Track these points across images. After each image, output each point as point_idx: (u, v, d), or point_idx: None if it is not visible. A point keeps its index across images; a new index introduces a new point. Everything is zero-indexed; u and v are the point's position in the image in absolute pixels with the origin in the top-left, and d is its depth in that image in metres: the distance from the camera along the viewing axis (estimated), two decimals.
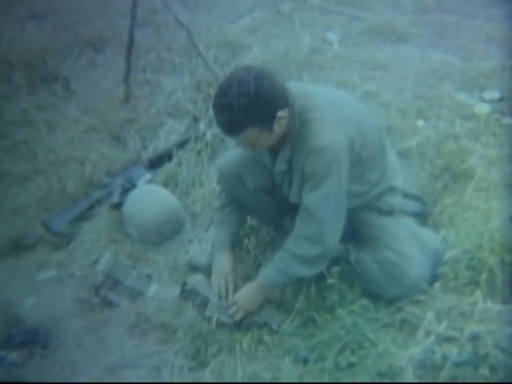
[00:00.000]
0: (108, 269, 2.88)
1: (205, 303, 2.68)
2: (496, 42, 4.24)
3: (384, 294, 2.43)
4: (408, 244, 2.43)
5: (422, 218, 2.66)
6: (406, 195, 2.59)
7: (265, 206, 2.79)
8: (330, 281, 2.51)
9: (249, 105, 2.16)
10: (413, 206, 2.61)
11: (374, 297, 2.45)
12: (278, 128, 2.30)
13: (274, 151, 2.48)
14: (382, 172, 2.52)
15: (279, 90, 2.26)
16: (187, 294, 2.77)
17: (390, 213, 2.52)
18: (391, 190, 2.53)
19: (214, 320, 2.59)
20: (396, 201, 2.53)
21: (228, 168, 2.73)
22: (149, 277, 2.95)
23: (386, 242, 2.46)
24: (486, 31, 4.50)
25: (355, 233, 2.59)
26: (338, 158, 2.27)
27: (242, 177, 2.68)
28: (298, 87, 2.43)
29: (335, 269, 2.51)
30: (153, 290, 2.83)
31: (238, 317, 2.58)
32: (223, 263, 2.77)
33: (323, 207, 2.34)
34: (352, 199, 2.44)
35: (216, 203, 2.94)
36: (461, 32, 4.64)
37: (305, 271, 2.46)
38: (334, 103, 2.37)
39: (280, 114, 2.25)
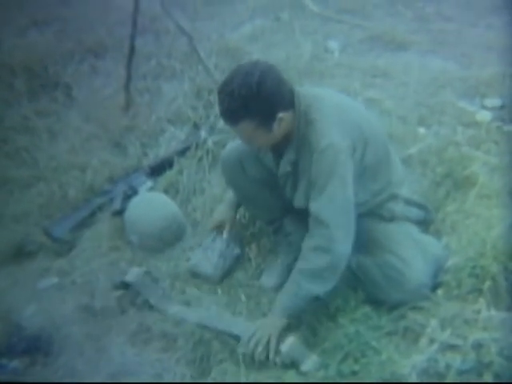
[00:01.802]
0: (134, 282, 2.85)
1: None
2: (496, 50, 4.23)
3: (386, 299, 2.41)
4: (409, 249, 2.41)
5: (424, 225, 2.66)
6: (409, 202, 2.58)
7: (265, 201, 2.79)
8: None
9: (249, 96, 2.20)
10: (415, 213, 2.61)
11: (377, 302, 2.44)
12: (278, 129, 2.32)
13: (278, 153, 2.49)
14: (386, 182, 2.51)
15: (283, 91, 2.29)
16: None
17: (391, 219, 2.51)
18: (394, 197, 2.52)
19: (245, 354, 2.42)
20: (398, 208, 2.52)
21: (230, 155, 2.80)
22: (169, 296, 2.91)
23: (386, 247, 2.44)
24: (486, 39, 4.51)
25: (356, 239, 2.56)
26: (340, 159, 2.26)
27: (243, 165, 2.73)
28: (305, 89, 2.47)
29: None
30: (174, 309, 2.79)
31: (259, 350, 2.37)
32: (226, 209, 2.97)
33: (330, 211, 2.30)
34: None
35: None
36: (461, 40, 4.65)
37: (318, 288, 2.36)
38: (338, 105, 2.39)
39: (281, 115, 2.28)
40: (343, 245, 2.33)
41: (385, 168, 2.51)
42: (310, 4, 5.40)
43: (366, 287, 2.48)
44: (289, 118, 2.33)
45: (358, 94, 3.79)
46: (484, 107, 3.63)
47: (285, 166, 2.47)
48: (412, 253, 2.40)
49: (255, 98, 2.21)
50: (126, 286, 2.84)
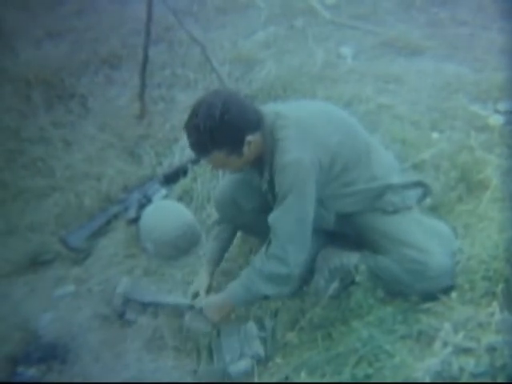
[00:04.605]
0: (127, 292, 2.88)
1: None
2: (509, 54, 4.22)
3: (411, 292, 2.39)
4: (422, 237, 2.41)
5: (425, 198, 2.67)
6: (405, 186, 2.55)
7: (266, 226, 2.79)
8: (357, 278, 2.49)
9: (214, 128, 2.24)
10: (414, 195, 2.59)
11: (401, 296, 2.43)
12: (249, 151, 2.37)
13: (260, 171, 2.51)
14: (369, 177, 2.51)
15: (249, 115, 2.33)
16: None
17: (395, 211, 2.50)
18: (389, 187, 2.51)
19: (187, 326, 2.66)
20: (397, 198, 2.50)
21: (222, 196, 2.83)
22: (168, 291, 2.95)
23: (400, 240, 2.42)
24: (499, 43, 4.49)
25: (367, 238, 2.57)
26: (300, 175, 2.30)
27: (237, 201, 2.76)
28: (269, 107, 2.50)
29: (363, 267, 2.49)
30: (173, 298, 2.83)
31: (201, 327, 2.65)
32: (203, 276, 2.82)
33: (284, 223, 2.37)
34: (343, 198, 2.50)
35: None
36: (474, 44, 4.65)
37: (270, 290, 2.47)
38: (300, 121, 2.40)
39: (249, 138, 2.32)
40: (296, 257, 2.40)
41: (365, 165, 2.51)
42: (323, 11, 5.41)
43: (388, 284, 2.46)
44: (258, 139, 2.37)
45: (371, 100, 3.80)
46: (497, 111, 3.62)
47: (264, 185, 2.50)
48: (426, 239, 2.40)
49: (221, 129, 2.25)
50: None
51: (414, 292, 2.38)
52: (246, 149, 2.34)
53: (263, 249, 2.46)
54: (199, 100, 2.35)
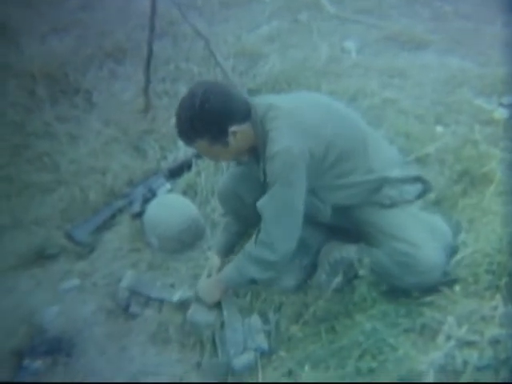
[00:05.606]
0: (132, 285, 2.90)
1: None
2: None
3: (402, 285, 2.40)
4: (415, 231, 2.41)
5: (424, 195, 2.65)
6: (403, 181, 2.55)
7: None
8: (360, 272, 2.49)
9: (194, 117, 2.30)
10: (413, 190, 2.57)
11: (398, 291, 2.44)
12: (235, 142, 2.39)
13: (257, 161, 2.53)
14: (366, 169, 2.51)
15: (232, 105, 2.35)
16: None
17: (392, 205, 2.50)
18: (387, 181, 2.51)
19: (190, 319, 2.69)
20: (395, 192, 2.50)
21: (225, 190, 2.89)
22: (172, 285, 2.96)
23: (392, 234, 2.42)
24: (503, 37, 4.49)
25: (363, 232, 2.58)
26: (288, 164, 2.30)
27: (239, 194, 2.81)
28: (261, 98, 2.54)
29: (366, 260, 2.48)
30: (178, 295, 2.84)
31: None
32: (213, 264, 2.89)
33: (270, 209, 2.40)
34: (339, 190, 2.51)
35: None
36: (478, 38, 4.65)
37: (257, 274, 2.51)
38: (291, 112, 2.40)
39: (233, 128, 2.35)
40: (282, 243, 2.44)
41: (362, 156, 2.51)
42: (327, 5, 5.42)
43: (380, 278, 2.47)
44: (246, 130, 2.40)
45: (375, 94, 3.80)
46: (501, 105, 3.62)
47: (261, 176, 2.51)
48: (419, 234, 2.40)
49: (200, 118, 2.30)
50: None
51: (405, 285, 2.39)
52: (231, 139, 2.37)
53: (255, 234, 2.49)
54: (187, 91, 2.40)
